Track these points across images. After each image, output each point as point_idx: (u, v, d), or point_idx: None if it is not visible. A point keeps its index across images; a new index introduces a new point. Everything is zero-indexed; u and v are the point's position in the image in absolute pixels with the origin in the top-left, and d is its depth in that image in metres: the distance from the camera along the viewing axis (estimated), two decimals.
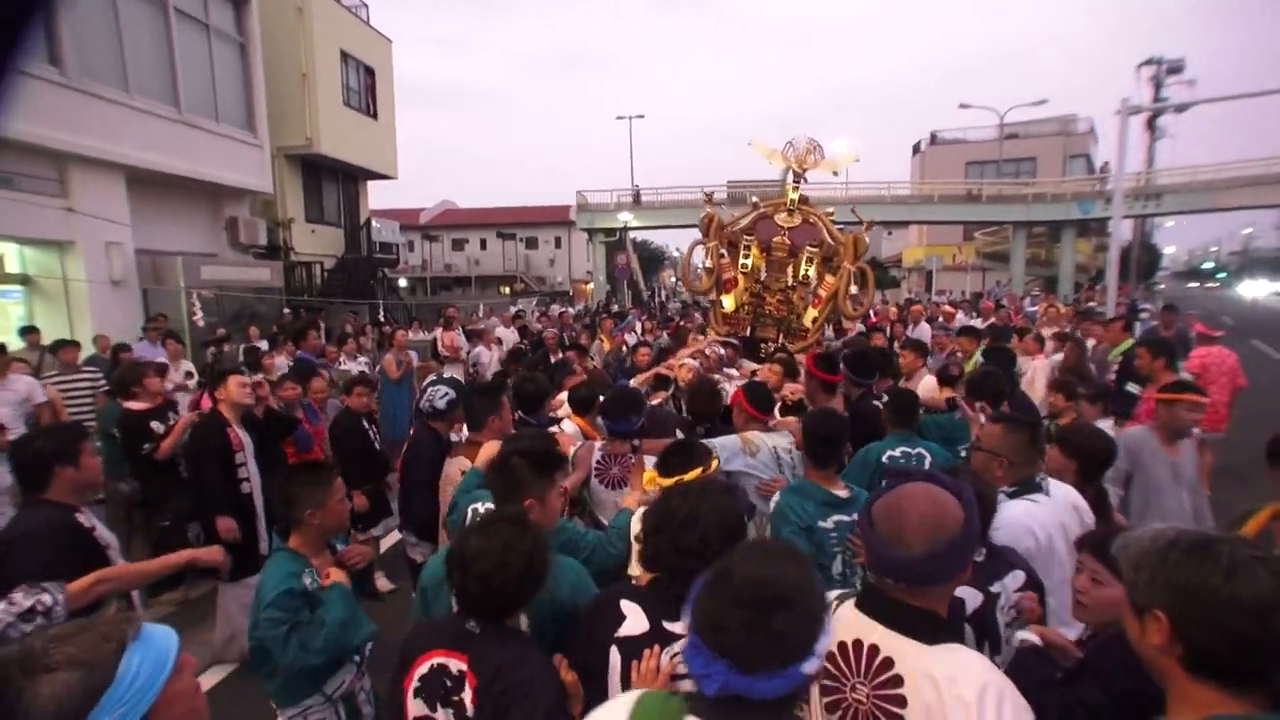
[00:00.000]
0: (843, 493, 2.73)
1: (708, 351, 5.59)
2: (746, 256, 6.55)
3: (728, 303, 6.75)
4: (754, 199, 7.10)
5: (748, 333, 6.73)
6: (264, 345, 8.75)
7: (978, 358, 6.10)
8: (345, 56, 17.47)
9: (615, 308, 22.45)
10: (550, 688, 1.63)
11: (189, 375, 7.58)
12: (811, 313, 6.56)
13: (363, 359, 8.48)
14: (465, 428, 3.69)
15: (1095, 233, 34.93)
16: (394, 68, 19.81)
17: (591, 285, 34.33)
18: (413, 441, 3.75)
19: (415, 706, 1.70)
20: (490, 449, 2.79)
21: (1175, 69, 30.94)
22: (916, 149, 42.20)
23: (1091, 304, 17.13)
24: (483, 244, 43.70)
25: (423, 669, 1.70)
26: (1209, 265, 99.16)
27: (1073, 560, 2.10)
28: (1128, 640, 1.28)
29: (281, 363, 8.09)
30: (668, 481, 2.34)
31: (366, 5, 18.88)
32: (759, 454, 3.36)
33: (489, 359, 9.39)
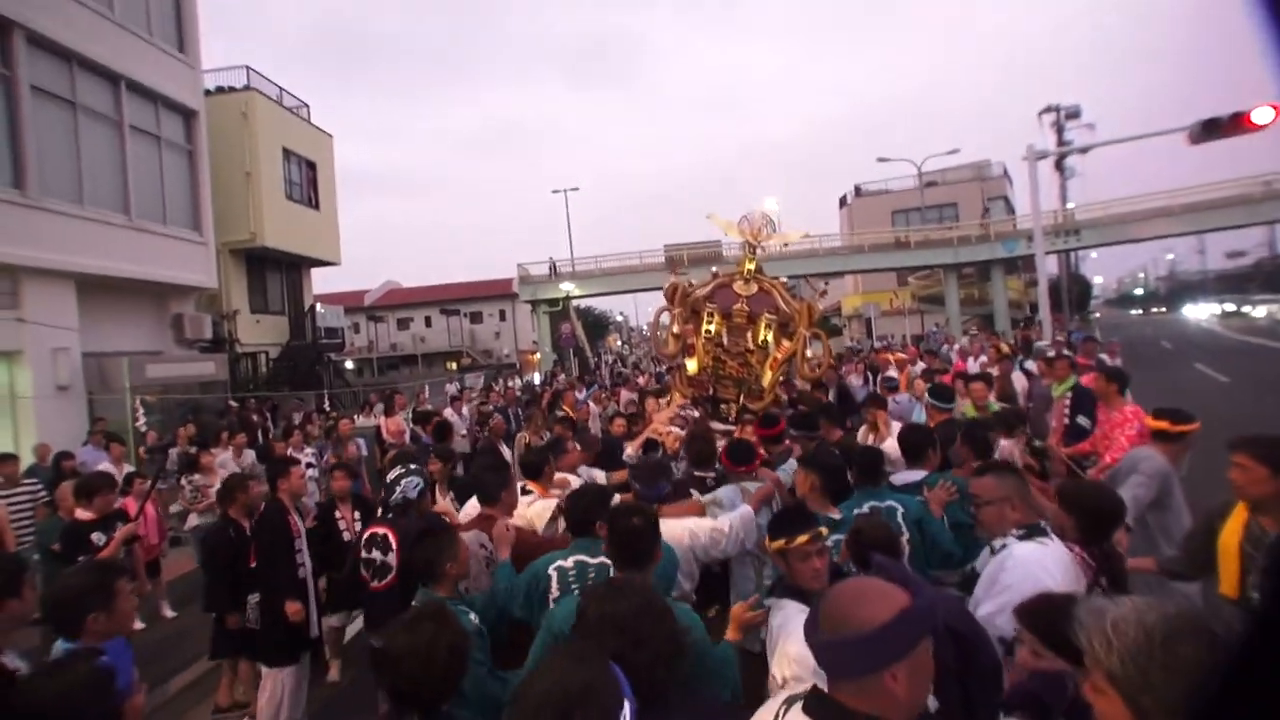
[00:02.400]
0: (836, 515, 3.20)
1: (685, 415, 6.02)
2: (710, 323, 6.80)
3: (691, 365, 7.00)
4: (714, 269, 7.50)
5: (710, 393, 7.06)
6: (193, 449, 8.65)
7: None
8: (287, 153, 17.99)
9: (562, 376, 22.68)
10: None
11: (128, 480, 7.45)
12: (769, 375, 6.83)
13: (309, 449, 8.52)
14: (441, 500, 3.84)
15: (1024, 269, 36.77)
16: (334, 159, 20.30)
17: (538, 355, 34.53)
18: (401, 540, 3.63)
19: None
20: (499, 527, 3.12)
21: (1073, 114, 33.11)
22: (843, 202, 44.04)
23: (1037, 341, 17.44)
24: (427, 321, 43.70)
25: None
26: (1139, 292, 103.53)
27: None
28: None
29: (226, 458, 8.11)
30: (777, 545, 2.38)
31: (307, 105, 19.48)
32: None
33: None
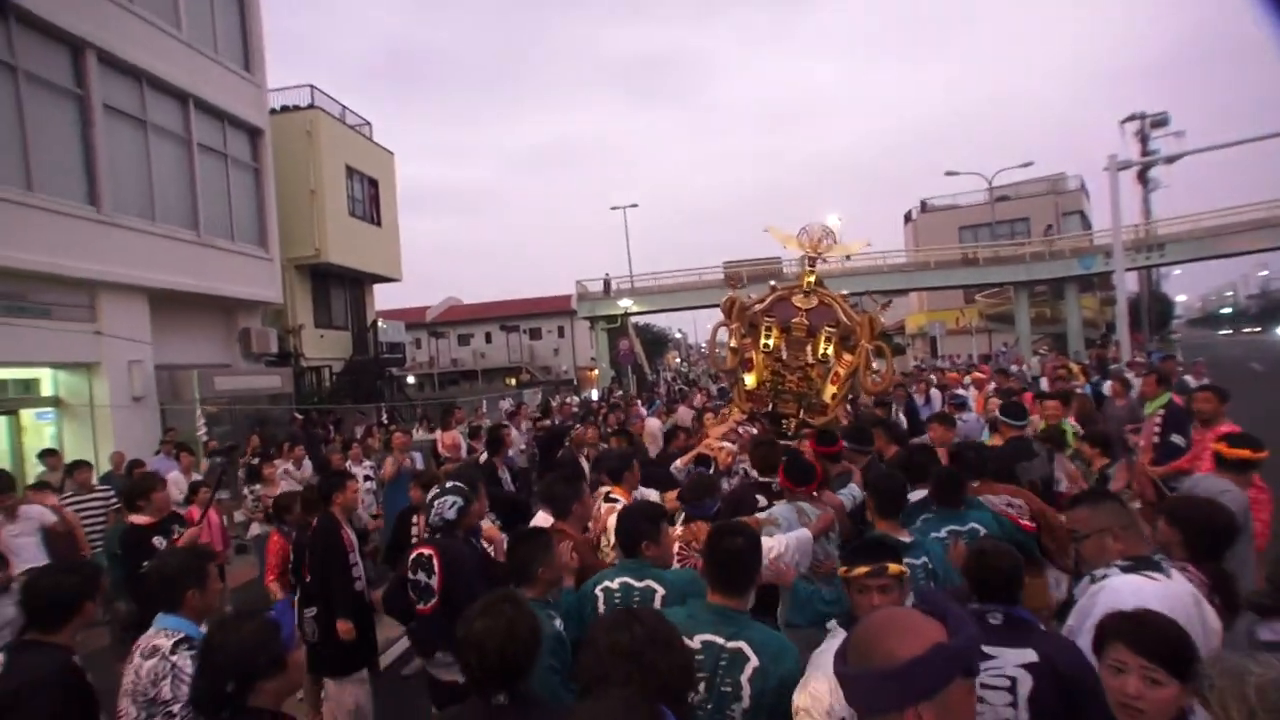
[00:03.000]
0: (906, 538, 3.01)
1: (740, 431, 5.93)
2: (768, 337, 6.74)
3: (749, 380, 6.93)
4: (772, 283, 7.42)
5: (769, 409, 6.97)
6: (256, 459, 8.76)
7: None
8: (350, 171, 18.42)
9: (620, 392, 22.55)
10: None
11: (193, 489, 7.56)
12: (830, 389, 6.73)
13: (368, 463, 8.48)
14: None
15: (1100, 287, 35.05)
16: (396, 176, 20.75)
17: (596, 372, 34.56)
18: (445, 562, 3.46)
19: None
20: (563, 550, 2.93)
21: (1160, 122, 31.44)
22: (908, 217, 42.95)
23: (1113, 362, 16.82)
24: (488, 337, 44.31)
25: None
26: (1226, 310, 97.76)
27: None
28: None
29: (286, 469, 8.15)
30: (841, 570, 2.30)
31: (369, 124, 19.97)
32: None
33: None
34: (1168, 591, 2.11)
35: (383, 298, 22.17)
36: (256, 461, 8.70)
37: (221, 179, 13.13)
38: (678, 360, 57.54)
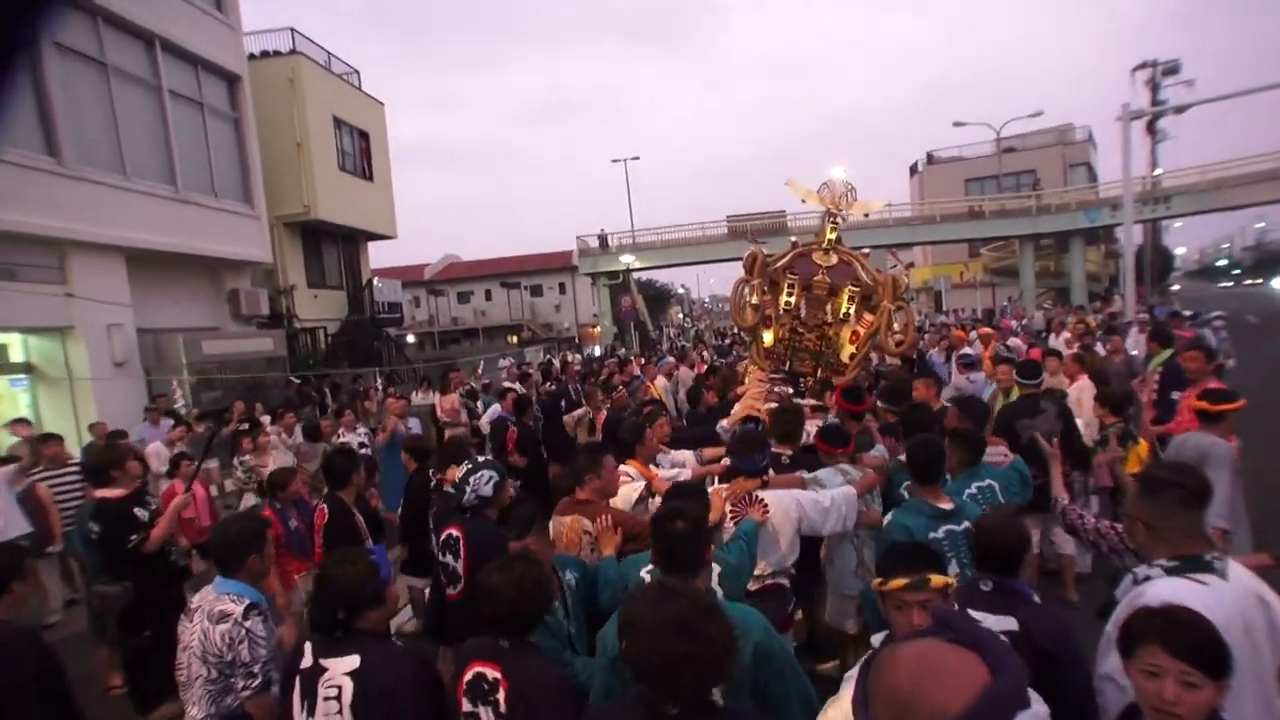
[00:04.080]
0: (947, 505, 3.09)
1: (777, 390, 6.04)
2: (791, 294, 6.71)
3: (768, 338, 6.95)
4: (793, 239, 7.31)
5: (786, 366, 6.98)
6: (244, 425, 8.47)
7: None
8: (338, 123, 17.69)
9: (622, 351, 22.24)
10: (571, 695, 2.10)
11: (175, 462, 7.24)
12: (849, 348, 6.73)
13: (363, 429, 8.16)
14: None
15: (1104, 240, 34.55)
16: (388, 129, 20.05)
17: (599, 329, 34.25)
18: (471, 545, 3.27)
19: (464, 704, 2.10)
20: (602, 521, 3.15)
21: (1171, 70, 30.72)
22: (914, 170, 42.22)
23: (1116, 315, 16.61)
24: (488, 295, 43.82)
25: (469, 675, 2.10)
26: (1223, 263, 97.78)
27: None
28: None
29: (276, 440, 7.81)
30: (875, 583, 2.08)
31: (358, 72, 19.19)
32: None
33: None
34: (1218, 600, 1.89)
35: (378, 256, 21.72)
36: (245, 428, 8.41)
37: (198, 130, 12.40)
38: (681, 316, 57.17)
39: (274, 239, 15.19)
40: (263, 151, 14.05)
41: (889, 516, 3.30)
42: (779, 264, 6.92)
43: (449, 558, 3.32)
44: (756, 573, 3.22)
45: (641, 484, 3.76)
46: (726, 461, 4.19)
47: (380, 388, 12.14)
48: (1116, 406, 4.89)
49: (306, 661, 2.20)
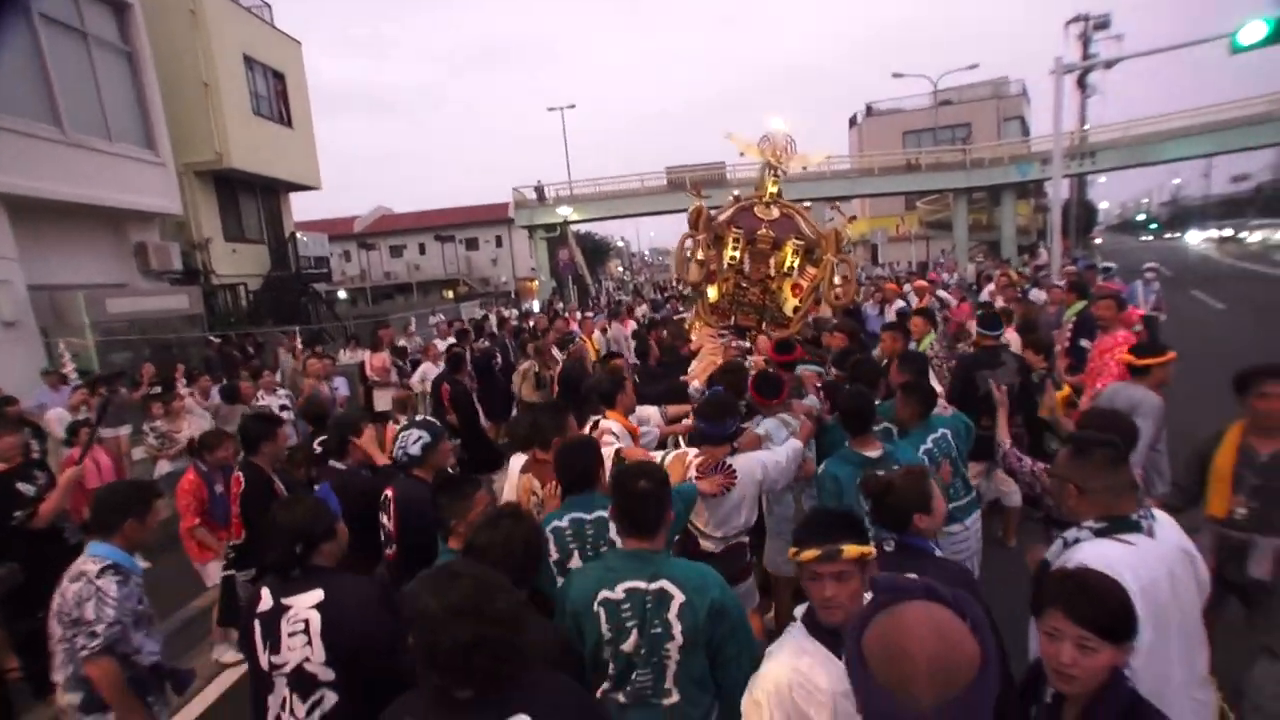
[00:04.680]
0: (875, 453, 3.23)
1: (733, 345, 6.11)
2: (736, 248, 6.67)
3: (712, 293, 6.94)
4: (734, 193, 7.28)
5: (731, 321, 7.00)
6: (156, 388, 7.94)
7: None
8: (250, 62, 16.45)
9: (560, 304, 21.88)
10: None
11: (73, 429, 6.69)
12: (793, 302, 6.72)
13: (284, 391, 7.69)
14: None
15: (1034, 194, 35.54)
16: (306, 71, 18.80)
17: (537, 283, 33.64)
18: (400, 505, 3.17)
19: None
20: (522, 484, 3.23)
21: (1102, 25, 31.50)
22: (853, 122, 42.35)
23: (1041, 269, 17.19)
24: (422, 249, 42.49)
25: None
26: (1142, 217, 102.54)
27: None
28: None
29: (192, 403, 7.31)
30: (790, 552, 1.94)
31: (269, 5, 17.82)
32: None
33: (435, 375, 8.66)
34: (1144, 559, 1.98)
35: (303, 208, 20.60)
36: (157, 391, 7.86)
37: (83, 64, 11.19)
38: (620, 269, 56.73)
39: (184, 189, 14.12)
40: (165, 92, 12.92)
41: (820, 467, 3.41)
42: (722, 218, 6.85)
43: (383, 517, 3.23)
44: (720, 535, 3.27)
45: (620, 444, 3.64)
46: (690, 421, 4.26)
47: (300, 346, 11.51)
48: (1044, 350, 4.96)
49: (266, 604, 2.23)
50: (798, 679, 1.71)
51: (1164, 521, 2.15)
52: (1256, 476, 2.95)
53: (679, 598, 2.14)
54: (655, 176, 31.88)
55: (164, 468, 6.93)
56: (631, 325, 11.69)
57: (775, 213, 6.80)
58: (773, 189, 6.88)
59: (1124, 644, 1.59)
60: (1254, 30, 10.27)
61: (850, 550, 1.79)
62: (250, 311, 16.57)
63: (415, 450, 3.30)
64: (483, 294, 33.80)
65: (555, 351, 8.89)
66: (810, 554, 1.80)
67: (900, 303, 10.20)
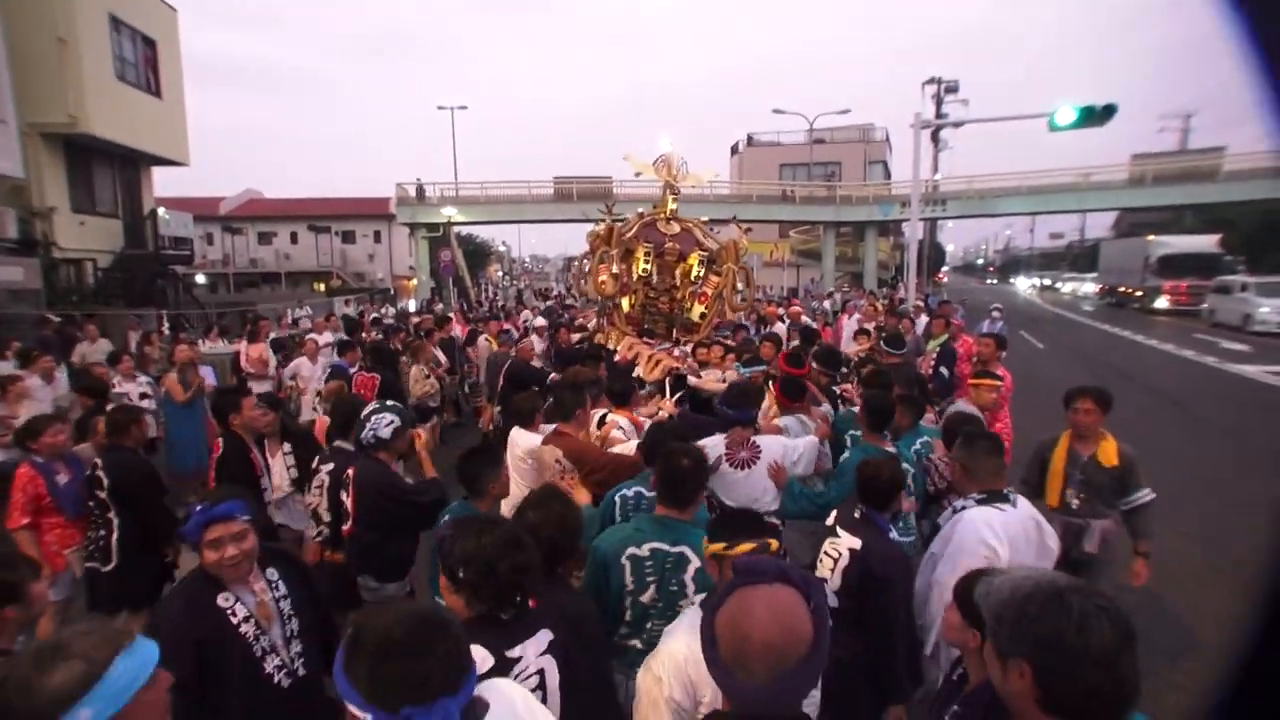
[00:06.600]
0: (890, 449, 3.67)
1: (674, 354, 6.66)
2: (648, 261, 7.20)
3: (625, 304, 7.46)
4: (640, 210, 7.83)
5: (641, 329, 7.54)
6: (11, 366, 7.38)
7: None
8: (117, 23, 15.31)
9: (440, 307, 21.59)
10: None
11: None
12: (699, 309, 7.34)
13: (144, 378, 7.31)
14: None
15: (893, 232, 38.66)
16: (180, 40, 17.67)
17: (415, 282, 32.81)
18: (360, 483, 3.37)
19: None
20: (547, 453, 3.47)
21: (952, 89, 34.98)
22: (735, 150, 44.26)
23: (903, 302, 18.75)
24: (293, 237, 40.24)
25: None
26: (980, 261, 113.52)
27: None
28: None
29: (36, 384, 6.82)
30: (741, 548, 2.11)
31: None
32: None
33: (311, 371, 8.32)
34: (1013, 519, 2.70)
35: (165, 184, 19.18)
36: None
37: None
38: (500, 274, 56.13)
39: (28, 151, 12.95)
40: (11, 45, 11.90)
41: (845, 455, 3.95)
42: (630, 233, 7.36)
43: (342, 494, 3.44)
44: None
45: (633, 443, 3.88)
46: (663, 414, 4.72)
47: (167, 331, 10.88)
48: (835, 365, 5.97)
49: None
50: (693, 655, 1.78)
51: (1021, 499, 2.85)
52: (1081, 473, 3.76)
53: (695, 563, 2.44)
54: (543, 185, 32.06)
55: None
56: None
57: (676, 227, 7.41)
58: (672, 205, 7.48)
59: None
60: (1065, 114, 11.98)
61: (775, 545, 2.09)
62: (97, 289, 15.31)
63: (385, 433, 3.46)
64: (357, 289, 32.49)
65: (438, 353, 8.95)
66: (746, 546, 2.03)
67: (779, 325, 11.10)
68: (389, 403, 3.82)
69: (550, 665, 1.89)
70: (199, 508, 2.14)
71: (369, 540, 3.39)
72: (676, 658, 1.90)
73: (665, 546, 2.50)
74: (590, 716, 2.02)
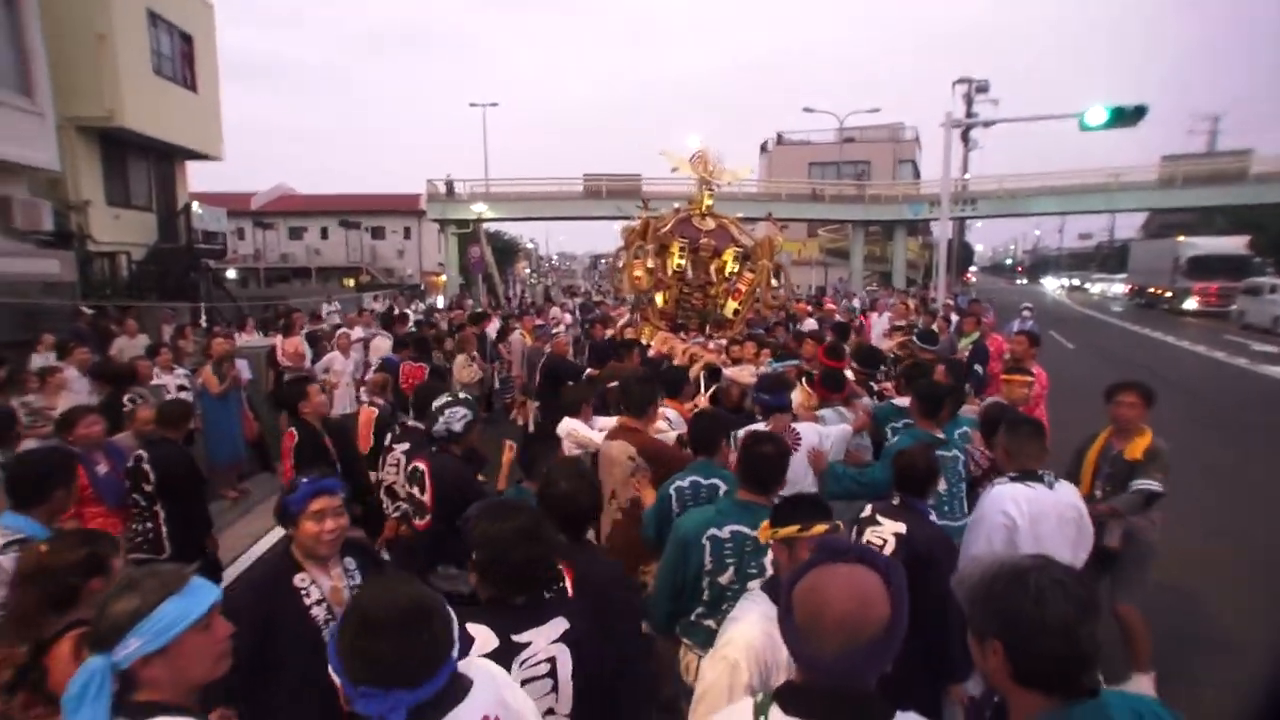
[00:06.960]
0: (940, 435, 3.75)
1: (709, 347, 6.68)
2: (682, 257, 7.17)
3: (659, 300, 7.47)
4: (675, 205, 7.85)
5: (675, 324, 7.52)
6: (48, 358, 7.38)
7: None
8: (155, 18, 15.38)
9: (470, 301, 21.61)
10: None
11: None
12: (732, 305, 7.31)
13: (181, 370, 7.29)
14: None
15: (922, 232, 38.15)
16: (216, 36, 17.80)
17: (444, 278, 32.95)
18: (438, 477, 3.38)
19: None
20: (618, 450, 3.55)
21: (983, 88, 34.34)
22: (764, 148, 44.01)
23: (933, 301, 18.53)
24: (324, 233, 40.62)
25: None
26: (1009, 261, 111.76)
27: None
28: None
29: (72, 375, 6.81)
30: (786, 531, 2.14)
31: None
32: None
33: (344, 365, 8.34)
34: (1038, 497, 2.84)
35: (198, 179, 19.37)
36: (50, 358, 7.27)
37: None
38: (527, 271, 56.31)
39: (64, 144, 13.03)
40: (53, 37, 11.95)
41: (894, 439, 3.98)
42: (666, 228, 7.34)
43: (416, 489, 3.43)
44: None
45: (674, 433, 3.96)
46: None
47: (203, 325, 10.91)
48: (873, 363, 5.95)
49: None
50: (771, 641, 1.83)
51: (1066, 486, 2.99)
52: (1109, 466, 3.80)
53: None
54: (572, 182, 31.99)
55: (29, 446, 6.40)
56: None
57: (711, 223, 7.35)
58: (708, 201, 7.43)
59: None
60: (1096, 114, 11.64)
61: (819, 528, 2.05)
62: (131, 283, 15.42)
63: (458, 427, 3.54)
64: (386, 285, 32.70)
65: (471, 345, 8.97)
66: (790, 530, 2.06)
67: (810, 321, 11.15)
68: (461, 395, 3.86)
69: (563, 654, 1.86)
70: (305, 480, 2.24)
71: (442, 532, 3.37)
72: (754, 645, 1.89)
73: (746, 530, 2.53)
74: (610, 709, 2.01)
